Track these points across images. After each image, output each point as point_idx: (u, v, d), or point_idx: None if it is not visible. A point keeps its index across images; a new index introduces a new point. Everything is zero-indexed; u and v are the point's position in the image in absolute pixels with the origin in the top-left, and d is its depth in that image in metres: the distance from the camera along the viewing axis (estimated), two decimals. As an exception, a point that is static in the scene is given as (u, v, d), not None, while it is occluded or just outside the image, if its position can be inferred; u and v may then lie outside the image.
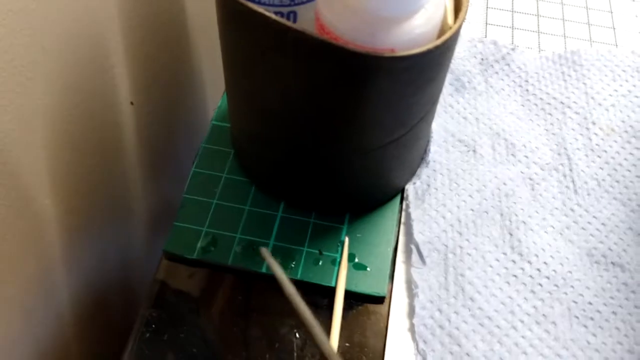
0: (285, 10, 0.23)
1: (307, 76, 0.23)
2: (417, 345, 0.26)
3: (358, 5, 0.21)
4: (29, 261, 0.31)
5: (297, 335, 0.27)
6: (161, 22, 0.40)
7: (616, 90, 0.35)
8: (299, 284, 0.28)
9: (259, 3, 0.23)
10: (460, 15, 0.23)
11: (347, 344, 0.26)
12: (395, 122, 0.25)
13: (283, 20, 0.22)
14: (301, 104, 0.25)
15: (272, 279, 0.29)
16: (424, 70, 0.23)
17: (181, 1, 0.42)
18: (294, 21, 0.24)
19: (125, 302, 0.45)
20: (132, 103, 0.38)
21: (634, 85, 0.35)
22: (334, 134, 0.26)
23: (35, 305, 0.32)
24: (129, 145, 0.39)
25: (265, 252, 0.25)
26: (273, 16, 0.22)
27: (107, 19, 0.32)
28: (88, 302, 0.38)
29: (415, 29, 0.22)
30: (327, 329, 0.27)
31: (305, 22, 0.24)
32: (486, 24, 0.38)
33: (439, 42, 0.22)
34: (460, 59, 0.35)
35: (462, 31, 0.38)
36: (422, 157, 0.31)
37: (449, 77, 0.35)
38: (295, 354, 0.26)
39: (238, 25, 0.24)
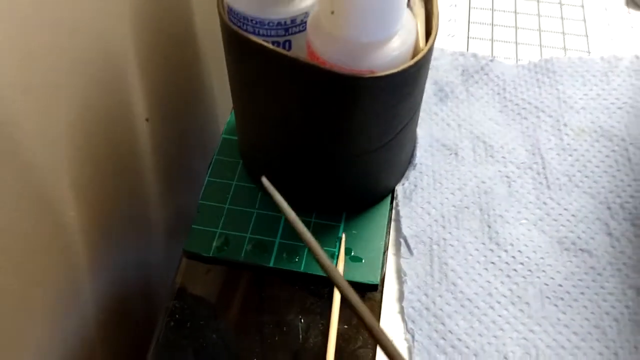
0: (281, 39, 0.27)
1: (302, 95, 0.27)
2: (406, 325, 0.30)
3: (341, 34, 0.25)
4: (57, 268, 0.33)
5: (302, 320, 0.31)
6: (174, 44, 0.42)
7: (586, 94, 0.38)
8: (303, 276, 0.32)
9: (259, 35, 0.27)
10: (431, 38, 0.27)
11: (345, 326, 0.30)
12: (380, 130, 0.29)
13: (279, 49, 0.26)
14: (298, 118, 0.28)
15: (279, 272, 0.32)
16: (401, 86, 0.27)
17: (192, 24, 0.45)
18: (289, 49, 0.28)
19: (145, 303, 0.47)
20: (147, 119, 0.41)
21: (603, 89, 0.38)
22: (328, 143, 0.29)
23: (63, 308, 0.34)
24: (145, 159, 0.42)
25: (266, 182, 0.25)
26: (270, 46, 0.26)
27: (122, 41, 0.35)
28: (110, 305, 0.40)
29: (392, 52, 0.25)
30: (328, 315, 0.30)
31: (298, 49, 0.27)
32: (468, 37, 0.42)
33: (412, 62, 0.26)
34: (444, 71, 0.39)
35: (445, 45, 0.41)
36: (409, 160, 0.35)
37: (433, 88, 0.38)
38: (300, 336, 0.30)
39: (241, 53, 0.28)
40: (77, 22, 0.29)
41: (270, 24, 0.27)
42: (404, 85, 0.27)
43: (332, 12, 0.24)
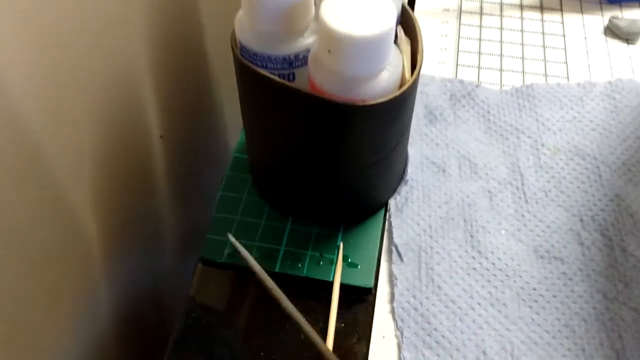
0: (286, 72, 0.31)
1: (304, 120, 0.31)
2: (396, 323, 0.33)
3: (338, 69, 0.29)
4: (78, 279, 0.35)
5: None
6: (187, 66, 0.45)
7: (563, 117, 0.42)
8: (305, 280, 0.36)
9: (267, 68, 0.31)
10: (415, 71, 0.31)
11: (342, 324, 0.34)
12: (372, 150, 0.33)
13: (284, 81, 0.30)
14: (301, 140, 0.33)
15: (284, 277, 0.36)
16: (389, 112, 0.31)
17: (205, 49, 0.47)
18: (293, 80, 0.32)
19: (158, 310, 0.50)
20: (161, 136, 0.43)
21: (578, 112, 0.42)
22: (328, 162, 0.33)
23: (82, 318, 0.37)
24: (160, 173, 0.44)
25: (232, 238, 0.29)
26: (277, 78, 0.30)
27: (140, 66, 0.37)
28: (126, 315, 0.43)
29: (381, 84, 0.29)
30: (328, 315, 0.34)
31: (301, 79, 0.32)
32: (457, 65, 0.46)
33: (398, 93, 0.30)
34: (433, 95, 0.43)
35: (436, 72, 0.45)
36: (401, 176, 0.39)
37: (423, 111, 0.42)
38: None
39: (251, 83, 0.32)
40: (100, 51, 0.32)
41: (277, 59, 0.31)
42: (392, 112, 0.31)
43: (329, 51, 0.28)
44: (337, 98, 0.29)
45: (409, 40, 0.32)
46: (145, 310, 0.47)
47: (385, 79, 0.29)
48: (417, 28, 0.32)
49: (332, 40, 0.28)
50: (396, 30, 0.32)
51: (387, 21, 0.27)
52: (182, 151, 0.48)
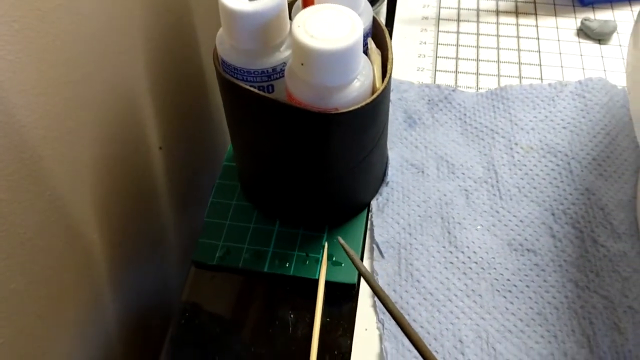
0: (265, 84, 0.34)
1: (283, 129, 0.33)
2: (378, 316, 0.35)
3: (311, 80, 0.31)
4: (82, 288, 0.36)
5: (292, 315, 0.36)
6: (184, 79, 0.47)
7: (535, 117, 0.44)
8: (292, 279, 0.38)
9: (247, 81, 0.33)
10: (386, 79, 0.33)
11: (328, 319, 0.36)
12: (350, 155, 0.35)
13: (263, 93, 0.32)
14: (282, 148, 0.35)
15: (272, 276, 0.38)
16: (361, 119, 0.33)
17: (201, 61, 0.49)
18: (272, 91, 0.34)
19: (162, 315, 0.50)
20: (160, 148, 0.46)
21: (550, 112, 0.44)
22: (308, 167, 0.36)
23: (88, 326, 0.37)
24: (160, 184, 0.46)
25: (341, 240, 0.30)
26: (256, 90, 0.32)
27: (138, 79, 0.38)
28: (131, 323, 0.44)
29: (352, 93, 0.32)
30: (313, 310, 0.36)
31: (280, 91, 0.34)
32: (435, 70, 0.48)
33: (368, 100, 0.32)
34: (412, 100, 0.45)
35: (415, 78, 0.48)
36: (382, 178, 0.41)
37: (403, 116, 0.44)
38: (290, 329, 0.36)
39: (233, 96, 0.34)
40: (100, 68, 0.33)
41: (256, 73, 0.33)
42: (365, 118, 0.33)
43: (302, 65, 0.30)
44: (312, 107, 0.31)
45: (379, 51, 0.34)
46: (150, 318, 0.49)
47: (356, 88, 0.32)
48: (387, 39, 0.34)
49: (304, 55, 0.30)
50: (367, 42, 0.34)
51: (354, 34, 0.30)
52: (181, 161, 0.50)
